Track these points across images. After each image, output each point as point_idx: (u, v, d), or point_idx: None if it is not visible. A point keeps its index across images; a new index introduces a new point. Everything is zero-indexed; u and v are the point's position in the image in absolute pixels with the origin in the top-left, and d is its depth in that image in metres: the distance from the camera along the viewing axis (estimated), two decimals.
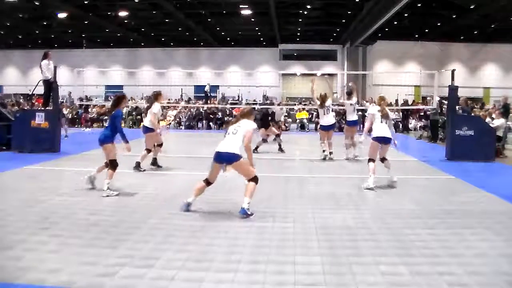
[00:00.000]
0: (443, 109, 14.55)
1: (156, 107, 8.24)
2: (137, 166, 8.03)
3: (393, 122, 8.30)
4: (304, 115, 20.98)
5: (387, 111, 6.97)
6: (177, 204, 5.55)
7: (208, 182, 5.20)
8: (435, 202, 5.93)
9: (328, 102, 9.93)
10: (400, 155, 11.41)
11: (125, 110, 21.85)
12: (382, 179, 7.17)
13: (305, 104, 23.23)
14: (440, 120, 14.73)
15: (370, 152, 6.89)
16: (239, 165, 5.07)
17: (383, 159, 6.98)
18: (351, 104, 10.53)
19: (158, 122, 8.33)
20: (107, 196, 5.89)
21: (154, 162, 8.49)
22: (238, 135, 5.09)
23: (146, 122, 8.29)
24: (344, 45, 31.98)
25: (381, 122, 6.90)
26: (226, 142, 5.10)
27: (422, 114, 19.83)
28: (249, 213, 4.93)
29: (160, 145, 8.50)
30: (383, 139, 6.83)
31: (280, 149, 11.29)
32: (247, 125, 5.19)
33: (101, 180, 6.16)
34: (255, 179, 5.06)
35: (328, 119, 9.97)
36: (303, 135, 18.14)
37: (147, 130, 8.24)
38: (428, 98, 19.51)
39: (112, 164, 6.17)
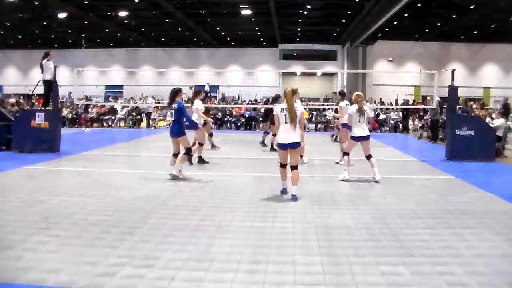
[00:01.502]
0: (443, 109, 14.56)
1: (199, 103, 9.02)
2: (201, 160, 8.84)
3: (373, 115, 8.56)
4: (304, 115, 20.95)
5: (364, 107, 7.34)
6: (177, 204, 5.56)
7: (283, 165, 6.08)
8: (435, 202, 5.93)
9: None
10: (400, 155, 11.44)
11: (125, 110, 21.88)
12: (381, 179, 7.18)
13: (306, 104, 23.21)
14: (440, 120, 14.73)
15: (347, 146, 7.48)
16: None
17: (368, 157, 7.27)
18: (346, 105, 10.25)
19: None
20: (172, 179, 6.98)
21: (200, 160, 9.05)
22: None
23: (194, 119, 8.74)
24: (344, 45, 32.01)
25: (359, 121, 7.23)
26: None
27: (422, 114, 19.82)
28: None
29: (201, 144, 9.12)
30: (362, 138, 7.26)
31: (272, 148, 11.19)
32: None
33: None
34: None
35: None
36: (303, 135, 18.10)
37: (196, 126, 8.82)
38: (428, 98, 19.47)
39: (188, 151, 7.31)
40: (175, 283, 3.21)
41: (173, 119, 7.36)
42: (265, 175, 7.92)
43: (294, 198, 5.85)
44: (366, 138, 7.26)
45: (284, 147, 5.99)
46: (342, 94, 10.87)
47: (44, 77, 10.82)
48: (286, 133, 5.95)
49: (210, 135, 10.63)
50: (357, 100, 7.22)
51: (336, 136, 13.02)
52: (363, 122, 7.22)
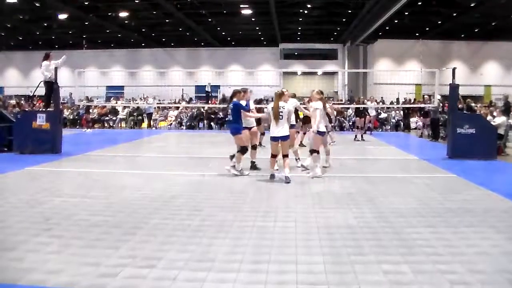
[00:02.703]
0: (444, 107, 14.56)
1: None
2: (253, 166, 8.29)
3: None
4: (300, 115, 20.87)
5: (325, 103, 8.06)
6: (179, 204, 5.56)
7: (274, 156, 7.27)
8: (437, 200, 5.91)
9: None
10: (401, 154, 11.43)
11: (126, 110, 21.91)
12: (381, 178, 7.18)
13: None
14: (442, 119, 14.71)
15: (315, 143, 7.76)
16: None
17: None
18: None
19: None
20: (235, 175, 7.43)
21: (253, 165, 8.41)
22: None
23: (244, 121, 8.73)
24: (345, 44, 31.98)
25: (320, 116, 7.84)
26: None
27: (423, 112, 19.77)
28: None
29: (254, 146, 8.55)
30: (324, 133, 8.03)
31: (260, 144, 10.96)
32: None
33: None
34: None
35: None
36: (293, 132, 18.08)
37: (245, 128, 8.46)
38: (426, 96, 19.46)
39: (243, 150, 7.60)
40: (177, 283, 3.21)
41: (231, 118, 7.95)
42: (266, 174, 7.92)
43: (287, 179, 7.00)
44: (325, 133, 8.09)
45: (275, 139, 7.24)
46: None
47: (45, 78, 10.83)
48: (275, 128, 7.17)
49: (262, 134, 11.02)
50: (321, 98, 7.92)
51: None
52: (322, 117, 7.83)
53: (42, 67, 10.91)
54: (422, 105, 18.41)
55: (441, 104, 14.93)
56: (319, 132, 7.68)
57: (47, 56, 10.94)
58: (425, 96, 18.99)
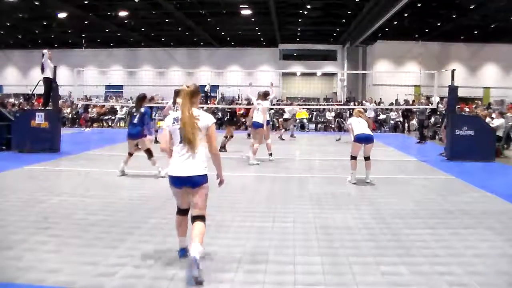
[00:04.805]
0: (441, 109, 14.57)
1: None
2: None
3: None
4: (304, 115, 20.92)
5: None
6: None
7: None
8: (435, 202, 5.92)
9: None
10: (400, 155, 11.44)
11: (124, 110, 21.87)
12: (380, 179, 7.18)
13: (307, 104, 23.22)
14: (432, 120, 14.71)
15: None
16: None
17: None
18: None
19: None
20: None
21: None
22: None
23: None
24: (344, 45, 32.00)
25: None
26: None
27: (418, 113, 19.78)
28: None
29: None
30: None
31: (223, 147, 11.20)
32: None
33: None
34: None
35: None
36: (303, 135, 18.12)
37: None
38: (423, 100, 19.43)
39: (148, 152, 7.58)
40: (175, 283, 3.21)
41: (135, 122, 7.57)
42: (265, 175, 7.93)
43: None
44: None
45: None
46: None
47: (45, 74, 10.77)
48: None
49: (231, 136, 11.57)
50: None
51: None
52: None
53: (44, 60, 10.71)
54: (413, 107, 18.46)
55: (440, 105, 14.94)
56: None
57: (48, 53, 10.88)
58: (422, 100, 18.96)
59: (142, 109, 7.62)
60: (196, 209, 3.48)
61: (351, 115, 10.44)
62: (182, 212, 3.67)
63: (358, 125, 7.24)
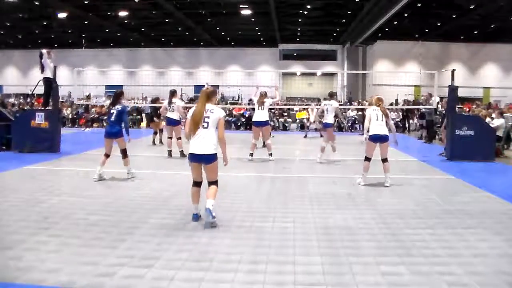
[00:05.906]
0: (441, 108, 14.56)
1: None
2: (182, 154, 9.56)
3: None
4: (304, 115, 20.92)
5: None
6: (177, 204, 5.55)
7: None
8: (435, 202, 5.92)
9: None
10: (400, 155, 11.43)
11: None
12: (380, 179, 7.17)
13: (307, 104, 23.18)
14: (435, 121, 14.71)
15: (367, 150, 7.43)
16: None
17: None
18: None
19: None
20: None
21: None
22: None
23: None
24: (344, 45, 31.98)
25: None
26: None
27: (420, 113, 19.78)
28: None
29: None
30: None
31: (154, 142, 12.85)
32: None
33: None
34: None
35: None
36: (303, 135, 18.11)
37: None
38: (423, 97, 19.42)
39: (124, 152, 7.45)
40: (175, 283, 3.21)
41: (112, 120, 7.25)
42: (265, 175, 7.93)
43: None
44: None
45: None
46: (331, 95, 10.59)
47: (44, 75, 10.76)
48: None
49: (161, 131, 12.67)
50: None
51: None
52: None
53: (43, 60, 10.70)
54: (418, 107, 18.44)
55: (439, 105, 14.94)
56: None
57: (48, 53, 10.88)
58: (422, 97, 18.97)
59: (119, 106, 7.27)
60: (210, 178, 4.74)
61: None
62: (197, 184, 4.85)
63: (375, 122, 6.96)
